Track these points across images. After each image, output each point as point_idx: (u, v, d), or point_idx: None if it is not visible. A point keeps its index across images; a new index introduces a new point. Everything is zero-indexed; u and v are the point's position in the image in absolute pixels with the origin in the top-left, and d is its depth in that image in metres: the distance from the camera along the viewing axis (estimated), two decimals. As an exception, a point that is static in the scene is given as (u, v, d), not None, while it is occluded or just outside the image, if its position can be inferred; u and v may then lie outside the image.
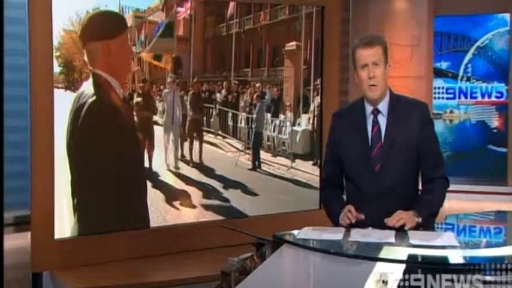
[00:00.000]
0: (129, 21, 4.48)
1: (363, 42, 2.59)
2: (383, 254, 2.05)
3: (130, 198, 4.39)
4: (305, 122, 5.29)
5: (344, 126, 2.72)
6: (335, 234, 2.37)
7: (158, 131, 4.73)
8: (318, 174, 5.12)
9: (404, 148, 2.60)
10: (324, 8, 5.20)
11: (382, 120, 2.64)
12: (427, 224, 2.48)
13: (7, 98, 3.67)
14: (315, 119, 5.28)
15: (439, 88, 6.92)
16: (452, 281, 1.81)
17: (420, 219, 2.45)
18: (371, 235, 2.34)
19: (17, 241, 4.30)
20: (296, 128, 5.26)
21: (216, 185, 4.86)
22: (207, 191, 4.80)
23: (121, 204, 4.32)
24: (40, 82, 3.99)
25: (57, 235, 4.11)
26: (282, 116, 5.23)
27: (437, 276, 1.83)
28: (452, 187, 6.71)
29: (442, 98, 6.93)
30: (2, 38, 3.40)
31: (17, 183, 4.22)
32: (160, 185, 4.62)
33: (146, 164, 4.58)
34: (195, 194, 4.76)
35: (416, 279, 1.85)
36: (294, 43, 5.18)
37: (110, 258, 4.20)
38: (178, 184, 4.72)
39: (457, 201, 6.15)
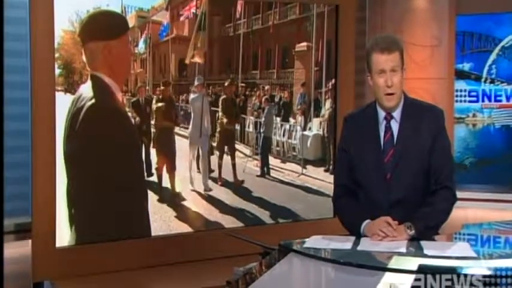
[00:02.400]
0: (132, 21, 4.51)
1: (380, 46, 2.56)
2: (392, 264, 2.05)
3: (130, 207, 4.40)
4: (316, 127, 5.28)
5: (355, 131, 2.72)
6: (344, 243, 2.38)
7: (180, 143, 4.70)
8: (331, 181, 5.09)
9: (417, 156, 2.59)
10: (338, 6, 5.20)
11: (395, 126, 2.64)
12: (423, 237, 2.46)
13: (7, 100, 3.69)
14: (327, 123, 5.27)
15: (461, 91, 6.85)
16: (452, 280, 1.82)
17: (413, 232, 2.44)
18: (381, 244, 2.34)
19: (17, 249, 4.33)
20: (307, 132, 5.25)
21: (223, 192, 4.87)
22: (214, 200, 4.82)
23: (122, 213, 4.33)
24: (41, 84, 4.04)
25: (59, 243, 4.15)
26: (292, 120, 5.23)
27: (437, 276, 1.84)
28: (475, 195, 6.66)
29: (465, 101, 6.86)
30: (2, 39, 3.43)
31: (17, 189, 4.26)
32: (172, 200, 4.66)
33: (166, 184, 4.61)
34: (201, 202, 4.78)
35: (416, 279, 1.88)
36: (304, 44, 5.18)
37: (114, 268, 4.24)
38: (194, 198, 4.75)
39: (481, 210, 6.10)
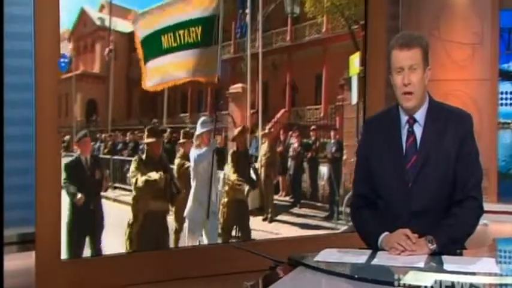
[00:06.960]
0: None
1: (399, 42, 2.57)
2: (407, 280, 2.04)
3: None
4: (253, 173, 4.96)
5: (376, 135, 2.73)
6: (358, 257, 2.38)
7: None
8: (271, 231, 4.92)
9: (441, 163, 2.58)
10: (367, 1, 5.19)
11: (419, 131, 2.63)
12: (446, 251, 2.45)
13: (8, 102, 3.75)
14: (264, 169, 5.00)
15: (506, 93, 6.79)
16: (452, 281, 1.85)
17: (434, 246, 2.43)
18: (399, 259, 2.34)
19: (20, 261, 4.40)
20: None
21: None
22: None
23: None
24: (46, 86, 4.09)
25: (64, 255, 4.21)
26: (226, 168, 4.83)
27: None
28: (521, 208, 6.51)
29: (510, 104, 6.79)
30: (2, 39, 3.50)
31: (21, 198, 4.33)
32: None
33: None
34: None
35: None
36: (239, 85, 4.97)
37: (122, 282, 4.28)
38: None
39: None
